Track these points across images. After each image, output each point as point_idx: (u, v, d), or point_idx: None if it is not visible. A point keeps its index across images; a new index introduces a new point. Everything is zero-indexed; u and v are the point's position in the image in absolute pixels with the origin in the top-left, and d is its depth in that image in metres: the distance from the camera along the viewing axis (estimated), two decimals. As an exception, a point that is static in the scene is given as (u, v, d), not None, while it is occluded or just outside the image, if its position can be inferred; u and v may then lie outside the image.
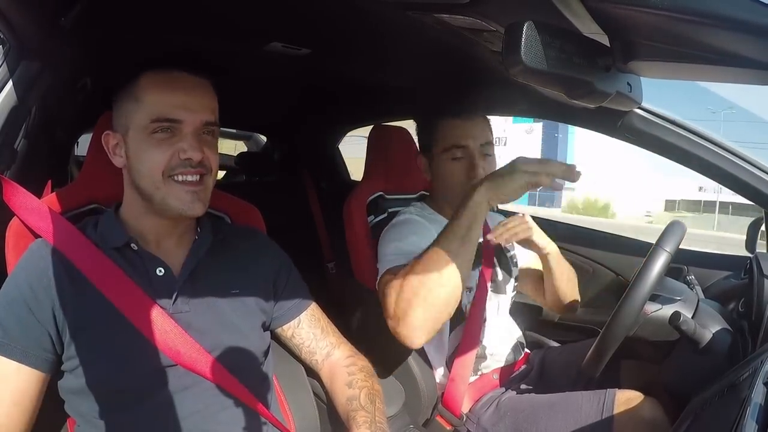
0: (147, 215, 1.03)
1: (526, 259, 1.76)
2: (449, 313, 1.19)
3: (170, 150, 0.97)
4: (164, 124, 0.97)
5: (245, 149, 3.99)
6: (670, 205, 45.63)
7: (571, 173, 1.07)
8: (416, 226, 1.42)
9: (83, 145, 1.84)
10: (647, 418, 1.23)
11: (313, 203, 3.04)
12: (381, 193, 1.77)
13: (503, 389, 1.57)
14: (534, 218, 2.37)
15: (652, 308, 1.20)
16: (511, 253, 1.72)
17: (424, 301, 1.14)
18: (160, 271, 1.01)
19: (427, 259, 1.16)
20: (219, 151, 1.10)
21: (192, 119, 0.99)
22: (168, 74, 1.01)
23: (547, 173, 1.07)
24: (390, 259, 1.34)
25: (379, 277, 1.35)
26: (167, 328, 0.96)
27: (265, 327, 1.15)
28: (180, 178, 0.98)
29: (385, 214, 1.74)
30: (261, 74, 1.84)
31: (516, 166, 1.10)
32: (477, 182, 1.17)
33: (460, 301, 1.45)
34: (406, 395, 1.38)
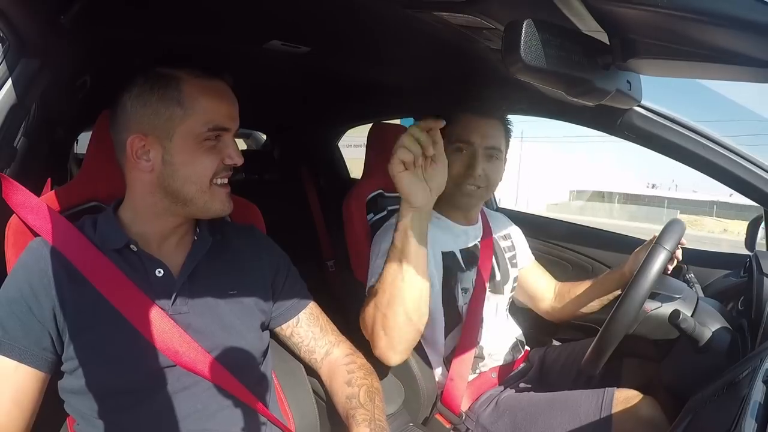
0: (161, 217, 1.03)
1: (523, 265, 1.77)
2: (415, 331, 1.21)
3: (218, 156, 1.01)
4: (217, 133, 1.00)
5: (244, 147, 3.99)
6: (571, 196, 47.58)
7: (431, 123, 1.09)
8: None
9: (83, 143, 1.85)
10: (646, 416, 1.23)
11: (312, 201, 3.04)
12: (380, 190, 1.77)
13: (502, 387, 1.57)
14: (535, 217, 2.39)
15: (651, 306, 1.19)
16: (511, 254, 1.72)
17: (382, 328, 1.18)
18: (159, 272, 1.01)
19: (378, 287, 1.19)
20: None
21: (234, 127, 1.04)
22: (211, 83, 1.02)
23: (410, 135, 1.09)
24: (375, 273, 1.34)
25: (367, 288, 1.36)
26: (166, 328, 0.96)
27: (264, 327, 1.15)
28: (220, 181, 1.02)
29: (385, 212, 1.74)
30: (261, 72, 1.84)
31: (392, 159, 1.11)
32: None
33: (457, 302, 1.47)
34: (405, 393, 1.38)
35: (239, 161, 1.03)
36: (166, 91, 0.98)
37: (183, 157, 0.98)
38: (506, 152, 1.54)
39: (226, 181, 1.04)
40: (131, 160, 0.99)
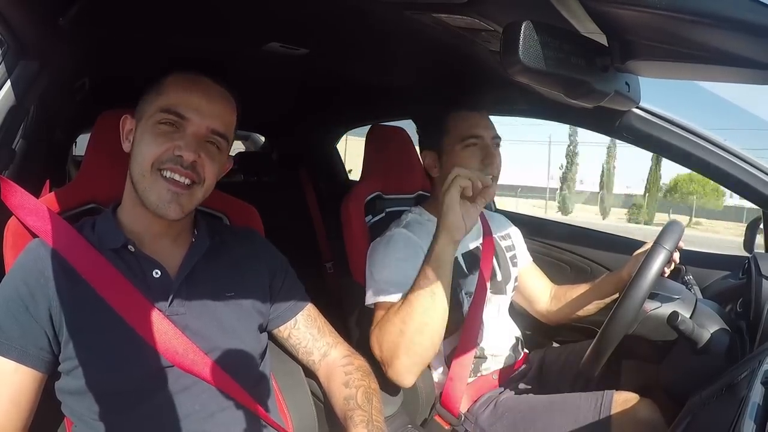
0: (139, 208, 1.01)
1: (523, 264, 1.77)
2: (434, 354, 1.28)
3: (167, 144, 0.97)
4: (170, 117, 0.98)
5: (243, 149, 3.99)
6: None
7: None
8: (408, 248, 1.41)
9: (81, 144, 1.84)
10: (645, 418, 1.23)
11: (311, 203, 3.04)
12: (379, 192, 1.77)
13: (501, 389, 1.57)
14: (534, 219, 2.39)
15: (651, 306, 1.19)
16: (511, 253, 1.72)
17: (406, 350, 1.23)
18: (157, 273, 1.01)
19: (404, 311, 1.23)
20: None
21: (199, 121, 0.99)
22: (194, 77, 1.03)
23: (470, 177, 1.20)
24: (381, 288, 1.36)
25: (369, 303, 1.39)
26: (164, 329, 0.96)
27: (262, 328, 1.15)
28: (167, 174, 0.97)
29: (383, 214, 1.74)
30: (259, 74, 1.84)
31: (446, 184, 1.22)
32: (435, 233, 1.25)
33: (462, 307, 1.47)
34: (404, 394, 1.38)
35: (186, 155, 0.96)
36: (156, 81, 1.03)
37: (139, 137, 1.00)
38: None
39: (177, 177, 0.97)
40: (122, 139, 1.05)
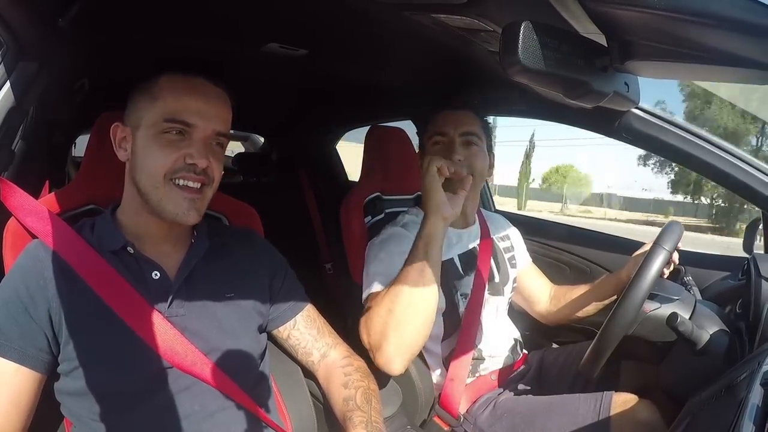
0: (143, 214, 1.02)
1: (522, 266, 1.77)
2: (423, 339, 1.25)
3: (177, 153, 0.97)
4: (176, 126, 0.97)
5: (242, 149, 4.00)
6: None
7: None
8: (402, 245, 1.40)
9: (81, 145, 1.85)
10: (644, 419, 1.23)
11: (310, 204, 3.04)
12: (378, 193, 1.77)
13: (501, 390, 1.57)
14: (534, 219, 2.39)
15: (650, 307, 1.19)
16: (510, 254, 1.72)
17: (395, 329, 1.20)
18: (156, 274, 1.01)
19: (393, 291, 1.22)
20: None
21: (204, 126, 0.99)
22: (188, 78, 1.01)
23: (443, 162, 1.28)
24: (374, 280, 1.36)
25: (364, 297, 1.38)
26: (163, 330, 0.96)
27: (261, 329, 1.15)
28: (181, 182, 0.98)
29: (383, 215, 1.74)
30: (259, 75, 1.84)
31: (424, 168, 1.30)
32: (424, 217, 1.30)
33: (458, 309, 1.47)
34: (403, 396, 1.38)
35: (199, 163, 0.97)
36: (147, 84, 1.01)
37: (143, 148, 0.98)
38: (487, 142, 1.54)
39: (190, 183, 0.98)
40: (116, 148, 1.02)
